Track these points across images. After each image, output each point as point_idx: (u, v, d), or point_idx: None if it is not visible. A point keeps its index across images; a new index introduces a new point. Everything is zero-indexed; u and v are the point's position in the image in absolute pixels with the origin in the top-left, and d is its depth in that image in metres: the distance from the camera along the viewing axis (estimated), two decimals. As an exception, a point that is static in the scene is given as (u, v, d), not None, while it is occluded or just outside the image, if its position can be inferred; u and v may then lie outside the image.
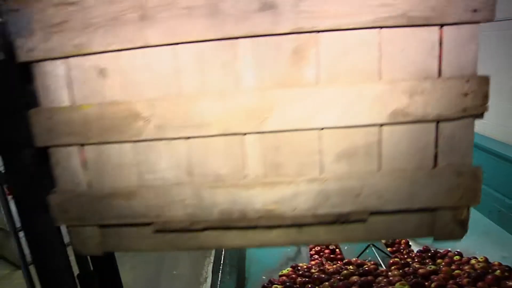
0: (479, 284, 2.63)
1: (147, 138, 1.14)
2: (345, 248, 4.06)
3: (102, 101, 1.15)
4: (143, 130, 1.12)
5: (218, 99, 1.09)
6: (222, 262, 2.45)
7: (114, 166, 1.19)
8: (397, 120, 1.06)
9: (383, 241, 4.20)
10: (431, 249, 3.75)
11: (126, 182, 1.19)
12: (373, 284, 2.63)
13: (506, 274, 2.88)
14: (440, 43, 1.04)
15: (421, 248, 3.89)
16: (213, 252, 2.80)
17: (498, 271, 2.90)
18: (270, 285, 3.02)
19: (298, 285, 2.93)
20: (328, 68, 1.07)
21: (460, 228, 1.18)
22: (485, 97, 1.07)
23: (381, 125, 1.08)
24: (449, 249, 3.66)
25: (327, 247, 4.25)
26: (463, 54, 1.05)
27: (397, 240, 4.27)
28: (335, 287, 2.58)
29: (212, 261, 2.83)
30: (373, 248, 3.63)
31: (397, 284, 2.51)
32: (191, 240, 1.20)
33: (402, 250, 4.07)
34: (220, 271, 2.35)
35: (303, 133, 1.10)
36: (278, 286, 2.90)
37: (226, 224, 1.17)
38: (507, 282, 2.66)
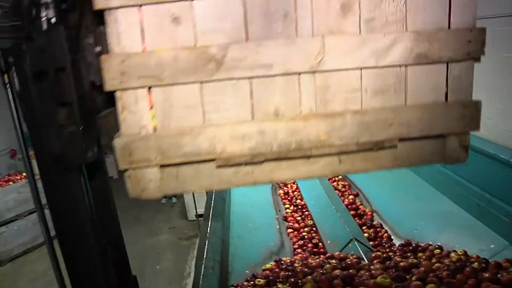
0: (458, 276, 2.69)
1: (218, 78, 1.26)
2: (328, 242, 4.10)
3: (174, 46, 1.25)
4: (215, 71, 1.25)
5: (281, 44, 1.27)
6: (205, 256, 2.45)
7: (181, 108, 1.28)
8: (420, 61, 1.33)
9: (366, 235, 4.26)
10: (413, 243, 3.82)
11: (192, 122, 1.29)
12: (355, 278, 2.66)
13: (483, 265, 2.96)
14: (450, 3, 1.33)
15: (402, 242, 3.95)
16: (196, 246, 2.80)
17: (476, 263, 2.97)
18: (253, 279, 3.03)
19: (281, 279, 2.95)
20: (367, 20, 1.31)
21: (464, 153, 1.42)
22: (483, 43, 1.34)
23: (407, 65, 1.34)
24: (430, 242, 3.73)
25: (310, 241, 4.29)
26: (466, 11, 1.34)
27: (379, 234, 4.33)
28: (318, 281, 2.61)
29: (195, 255, 2.83)
30: (355, 242, 3.67)
31: (379, 277, 2.54)
32: (247, 176, 1.34)
33: (384, 244, 4.12)
34: (203, 266, 2.36)
35: (347, 73, 1.32)
36: (261, 280, 2.92)
37: (284, 155, 1.32)
38: (484, 274, 2.72)
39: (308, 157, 1.35)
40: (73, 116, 1.37)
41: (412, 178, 4.93)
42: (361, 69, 1.32)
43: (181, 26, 1.26)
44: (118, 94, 1.26)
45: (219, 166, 1.31)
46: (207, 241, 2.63)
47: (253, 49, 1.26)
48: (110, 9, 1.22)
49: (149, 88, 1.26)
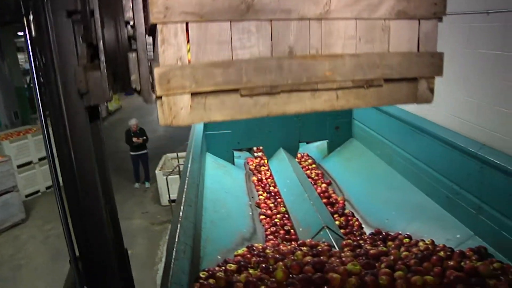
0: (425, 264, 2.76)
1: (246, 18, 1.46)
2: (300, 229, 4.14)
3: None
4: (245, 12, 1.44)
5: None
6: (176, 240, 2.44)
7: (214, 43, 1.46)
8: (400, 17, 1.62)
9: (337, 223, 4.32)
10: (383, 232, 3.89)
11: (222, 56, 1.48)
12: (326, 264, 2.70)
13: (449, 254, 3.05)
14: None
15: (373, 231, 4.02)
16: (168, 231, 2.78)
17: (442, 252, 3.06)
18: (225, 264, 3.05)
19: (252, 265, 2.97)
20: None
21: (431, 94, 1.74)
22: (445, 6, 1.63)
23: (390, 19, 1.62)
24: (400, 232, 3.81)
25: (282, 228, 4.33)
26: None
27: (350, 222, 4.40)
28: (289, 267, 2.64)
29: (167, 240, 2.82)
30: (327, 230, 3.71)
31: (349, 264, 2.59)
32: (263, 107, 1.57)
33: (355, 232, 4.19)
34: (175, 249, 2.35)
35: (346, 22, 1.58)
36: (233, 265, 2.93)
37: (296, 87, 1.58)
38: (449, 262, 2.81)
39: (315, 90, 1.62)
40: (98, 55, 1.54)
41: (385, 169, 5.00)
42: (356, 19, 1.60)
43: None
44: (159, 28, 1.40)
45: (243, 95, 1.54)
46: (179, 225, 2.62)
47: None
48: None
49: (187, 23, 1.42)
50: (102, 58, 1.56)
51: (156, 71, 1.42)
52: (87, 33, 1.57)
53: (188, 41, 1.45)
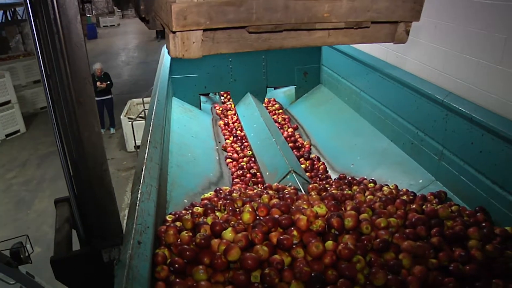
0: (389, 207, 2.83)
1: None
2: (267, 174, 4.16)
3: None
4: None
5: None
6: (142, 182, 2.40)
7: None
8: None
9: (303, 166, 4.35)
10: (348, 176, 3.95)
11: None
12: (293, 207, 2.72)
13: (411, 198, 3.14)
14: None
15: (338, 176, 4.08)
16: (133, 174, 2.74)
17: (405, 196, 3.14)
18: (191, 208, 3.04)
19: (219, 208, 2.97)
20: None
21: (406, 36, 1.90)
22: None
23: None
24: (365, 177, 3.87)
25: (248, 171, 4.34)
26: None
27: (316, 166, 4.45)
28: (256, 209, 2.64)
29: (132, 181, 2.79)
30: (293, 174, 3.74)
31: (316, 206, 2.61)
32: (264, 42, 1.73)
33: (320, 176, 4.25)
34: (140, 191, 2.31)
35: None
36: (200, 208, 2.92)
37: (297, 26, 1.71)
38: (411, 205, 2.89)
39: (312, 29, 1.77)
40: None
41: (352, 115, 5.03)
42: None
43: None
44: None
45: (250, 32, 1.66)
46: (144, 167, 2.56)
47: None
48: None
49: None
50: None
51: (174, 8, 1.48)
52: None
53: None
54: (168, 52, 1.64)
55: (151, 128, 3.25)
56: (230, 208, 2.85)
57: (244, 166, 4.50)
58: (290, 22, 1.67)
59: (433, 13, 3.65)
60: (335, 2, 1.69)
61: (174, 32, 1.55)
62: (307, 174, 4.23)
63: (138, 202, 2.19)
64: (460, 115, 3.20)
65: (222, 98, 7.03)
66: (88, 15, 1.82)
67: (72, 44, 2.07)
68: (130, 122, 8.72)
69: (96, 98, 9.73)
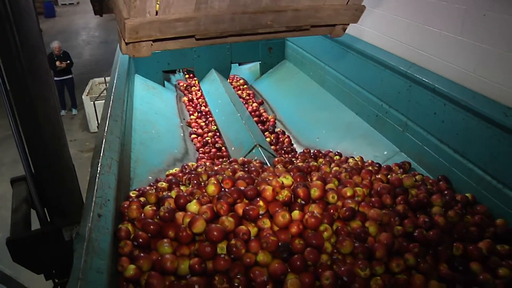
0: (355, 177, 2.84)
1: None
2: (232, 149, 4.11)
3: None
4: None
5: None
6: (101, 155, 2.31)
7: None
8: None
9: (267, 139, 4.33)
10: (314, 150, 3.95)
11: (186, 12, 1.70)
12: (258, 178, 2.70)
13: (376, 168, 3.16)
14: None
15: (303, 150, 4.08)
16: (93, 146, 2.64)
17: (370, 167, 3.16)
18: (156, 183, 2.97)
19: (184, 182, 2.91)
20: None
21: (343, 32, 2.12)
22: None
23: None
24: (330, 150, 3.88)
25: (214, 146, 4.30)
26: None
27: (280, 139, 4.45)
28: (221, 181, 2.60)
29: (91, 155, 2.69)
30: (259, 148, 3.71)
31: (281, 177, 2.59)
32: (209, 41, 1.90)
33: (285, 149, 4.24)
34: (100, 164, 2.22)
35: None
36: (164, 183, 2.86)
37: (241, 32, 1.87)
38: (376, 176, 2.92)
39: (256, 34, 1.95)
40: None
41: (316, 90, 5.02)
42: None
43: None
44: None
45: (197, 39, 1.84)
46: (104, 140, 2.47)
47: None
48: None
49: None
50: None
51: (127, 24, 1.60)
52: None
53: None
54: (120, 51, 1.80)
55: (111, 102, 3.14)
56: (195, 182, 2.80)
57: (209, 141, 4.45)
58: (235, 29, 1.84)
59: (396, -16, 3.65)
60: (280, 13, 1.86)
61: (127, 44, 1.74)
62: (272, 147, 4.22)
63: (97, 175, 2.11)
64: (423, 86, 3.23)
65: (186, 74, 6.90)
66: (53, 14, 1.76)
67: (20, 9, 1.94)
68: (92, 102, 8.48)
69: (56, 78, 9.43)
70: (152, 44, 1.76)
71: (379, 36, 3.95)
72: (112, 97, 3.28)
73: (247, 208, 2.28)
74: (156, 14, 1.64)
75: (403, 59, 3.58)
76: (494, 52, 2.77)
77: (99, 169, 2.17)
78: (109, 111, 2.93)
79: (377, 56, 3.80)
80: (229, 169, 2.93)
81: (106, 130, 2.64)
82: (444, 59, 3.19)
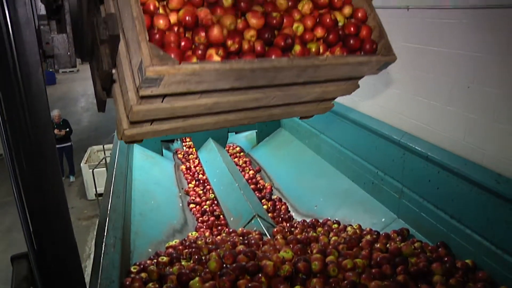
0: (354, 248, 2.87)
1: (194, 102, 1.60)
2: (231, 219, 4.14)
3: None
4: (197, 98, 1.57)
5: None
6: (105, 234, 2.35)
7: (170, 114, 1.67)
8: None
9: (265, 207, 4.37)
10: (312, 218, 3.98)
11: (177, 124, 1.77)
12: (260, 252, 2.72)
13: (375, 237, 3.20)
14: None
15: (303, 218, 4.11)
16: (96, 226, 2.67)
17: (369, 236, 3.19)
18: (156, 257, 2.97)
19: (185, 256, 2.93)
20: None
21: (331, 106, 2.17)
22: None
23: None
24: (329, 218, 3.92)
25: (212, 214, 4.33)
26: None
27: (278, 206, 4.48)
28: (222, 257, 2.62)
29: (95, 235, 2.71)
30: (258, 219, 3.74)
31: (282, 251, 2.62)
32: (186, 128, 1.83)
33: (282, 216, 4.28)
34: (104, 244, 2.25)
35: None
36: (165, 257, 2.87)
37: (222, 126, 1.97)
38: (376, 245, 2.94)
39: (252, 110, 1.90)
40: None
41: (312, 157, 5.11)
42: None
43: None
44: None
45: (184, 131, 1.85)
46: (107, 219, 2.52)
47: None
48: None
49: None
50: (68, 19, 1.46)
51: (126, 133, 1.65)
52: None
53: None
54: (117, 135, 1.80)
55: (113, 177, 3.21)
56: (196, 256, 2.81)
57: (207, 210, 4.49)
58: (213, 127, 1.94)
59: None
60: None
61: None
62: (270, 214, 4.25)
63: (102, 255, 2.14)
64: (416, 154, 3.32)
65: (184, 144, 7.02)
66: (50, 70, 1.81)
67: (32, 94, 2.05)
68: (90, 170, 8.53)
69: (55, 146, 9.55)
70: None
71: (373, 106, 4.10)
72: (114, 172, 3.35)
73: (249, 285, 2.29)
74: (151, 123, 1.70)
75: (396, 128, 3.70)
76: (481, 121, 2.90)
77: (103, 249, 2.20)
78: (111, 188, 2.99)
79: (371, 126, 3.93)
80: (229, 242, 2.95)
81: (109, 208, 2.68)
82: (434, 127, 3.32)
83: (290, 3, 1.67)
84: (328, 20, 1.67)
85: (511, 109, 2.71)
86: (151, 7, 1.45)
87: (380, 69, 1.84)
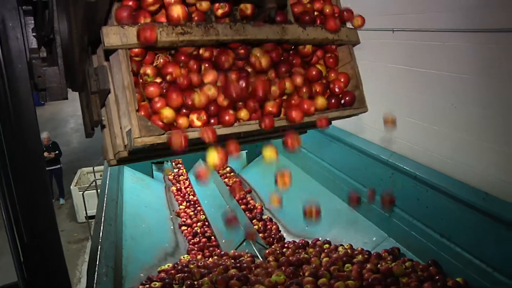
0: (346, 270, 2.88)
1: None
2: (223, 241, 4.14)
3: None
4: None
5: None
6: (97, 263, 2.34)
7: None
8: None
9: (255, 227, 4.37)
10: (300, 239, 3.98)
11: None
12: (252, 277, 2.72)
13: (366, 257, 3.22)
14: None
15: (294, 239, 4.12)
16: (87, 250, 2.67)
17: (360, 256, 3.21)
18: (148, 282, 2.96)
19: (177, 281, 2.92)
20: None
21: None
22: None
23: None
24: (319, 238, 3.93)
25: (203, 236, 4.33)
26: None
27: (268, 226, 4.49)
28: (214, 282, 2.62)
29: (86, 259, 2.70)
30: (250, 241, 3.74)
31: (274, 275, 2.62)
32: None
33: (273, 236, 4.28)
34: (96, 273, 2.25)
35: None
36: (157, 283, 2.86)
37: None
38: (367, 265, 2.95)
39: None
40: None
41: (303, 177, 5.14)
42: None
43: None
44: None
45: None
46: (99, 247, 2.52)
47: None
48: None
49: None
50: (60, 52, 1.45)
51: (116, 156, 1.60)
52: (39, 25, 1.46)
53: None
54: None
55: (104, 204, 3.20)
56: (189, 282, 2.81)
57: (199, 231, 4.48)
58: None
59: (374, 79, 3.90)
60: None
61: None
62: (261, 234, 4.26)
63: (95, 286, 2.14)
64: (405, 174, 3.37)
65: (174, 165, 7.01)
66: (42, 102, 1.84)
67: (23, 121, 2.06)
68: (80, 192, 8.47)
69: (44, 169, 9.46)
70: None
71: (361, 126, 4.15)
72: (105, 199, 3.34)
73: (242, 311, 2.30)
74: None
75: (383, 148, 3.74)
76: (467, 140, 2.95)
77: (96, 278, 2.20)
78: (103, 215, 2.99)
79: (359, 145, 3.97)
80: (221, 266, 2.96)
81: (101, 236, 2.68)
82: (422, 146, 3.37)
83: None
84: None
85: (496, 128, 2.77)
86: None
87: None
